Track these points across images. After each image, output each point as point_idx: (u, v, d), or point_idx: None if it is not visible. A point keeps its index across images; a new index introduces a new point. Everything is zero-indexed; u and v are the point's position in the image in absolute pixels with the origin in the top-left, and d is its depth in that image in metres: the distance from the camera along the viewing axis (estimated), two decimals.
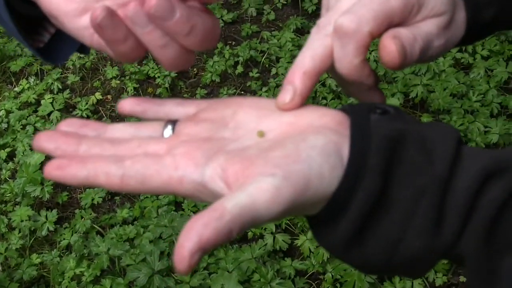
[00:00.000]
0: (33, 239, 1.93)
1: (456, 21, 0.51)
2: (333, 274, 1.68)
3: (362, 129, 0.41)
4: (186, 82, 2.35)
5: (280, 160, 0.39)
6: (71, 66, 2.45)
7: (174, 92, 2.30)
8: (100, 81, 2.40)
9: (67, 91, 2.37)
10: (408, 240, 0.40)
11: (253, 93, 2.20)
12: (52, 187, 2.01)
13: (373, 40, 0.47)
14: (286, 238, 1.78)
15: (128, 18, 0.45)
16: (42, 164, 2.06)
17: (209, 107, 0.50)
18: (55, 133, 0.47)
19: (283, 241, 1.77)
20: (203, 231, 0.35)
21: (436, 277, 1.65)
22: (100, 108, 2.31)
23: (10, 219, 1.98)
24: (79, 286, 1.79)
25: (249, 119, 0.47)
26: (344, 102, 2.05)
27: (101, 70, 2.44)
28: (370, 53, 2.15)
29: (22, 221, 1.95)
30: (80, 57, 2.44)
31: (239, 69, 2.32)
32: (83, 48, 0.59)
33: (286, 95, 0.47)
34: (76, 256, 1.85)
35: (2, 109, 2.33)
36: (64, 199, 2.02)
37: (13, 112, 2.31)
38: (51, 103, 2.32)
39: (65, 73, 2.45)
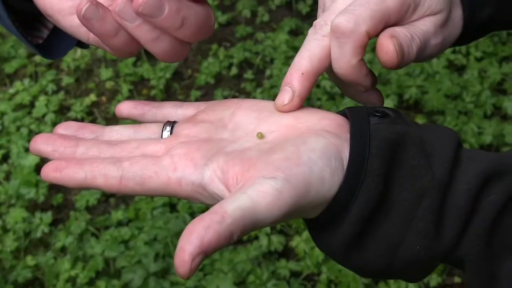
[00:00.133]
0: (27, 241, 1.92)
1: (453, 19, 0.51)
2: (328, 275, 1.68)
3: (362, 132, 0.41)
4: (181, 84, 2.34)
5: (281, 162, 0.39)
6: (65, 68, 2.44)
7: (168, 93, 2.29)
8: (95, 83, 2.39)
9: (62, 92, 2.36)
10: (408, 243, 0.40)
11: (248, 94, 2.20)
12: (46, 189, 2.00)
13: (370, 39, 0.47)
14: (281, 239, 1.78)
15: (115, 13, 0.45)
16: (36, 166, 2.05)
17: (207, 109, 0.50)
18: (52, 135, 0.47)
19: (278, 242, 1.77)
20: (204, 235, 0.35)
21: (431, 278, 1.65)
22: (95, 110, 2.30)
23: (4, 221, 1.96)
24: None
25: (248, 120, 0.47)
26: (339, 104, 2.04)
27: (96, 72, 2.43)
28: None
29: (16, 223, 1.94)
30: (75, 58, 2.43)
31: (234, 70, 2.31)
32: (82, 43, 0.59)
33: (285, 96, 0.47)
34: (71, 258, 1.84)
35: None
36: (59, 201, 2.01)
37: (7, 114, 2.29)
38: (46, 104, 2.30)
39: (60, 75, 2.44)
